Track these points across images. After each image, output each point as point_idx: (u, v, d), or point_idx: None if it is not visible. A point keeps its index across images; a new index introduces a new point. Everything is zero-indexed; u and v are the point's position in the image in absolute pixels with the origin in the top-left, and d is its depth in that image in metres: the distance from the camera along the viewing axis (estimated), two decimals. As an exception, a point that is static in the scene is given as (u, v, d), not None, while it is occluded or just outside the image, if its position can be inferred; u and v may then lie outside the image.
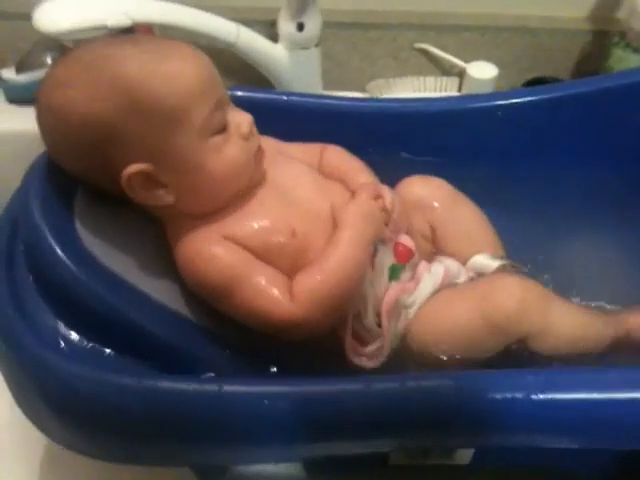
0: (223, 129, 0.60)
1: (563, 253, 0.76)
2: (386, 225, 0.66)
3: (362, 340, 0.65)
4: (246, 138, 0.61)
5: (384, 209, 0.65)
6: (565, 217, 0.79)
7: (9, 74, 0.94)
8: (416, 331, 0.66)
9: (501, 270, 0.68)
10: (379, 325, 0.64)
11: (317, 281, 0.60)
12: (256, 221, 0.62)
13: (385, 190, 0.67)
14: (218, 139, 0.59)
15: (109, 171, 0.57)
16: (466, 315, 0.63)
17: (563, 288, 0.68)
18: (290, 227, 0.62)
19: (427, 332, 0.65)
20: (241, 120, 0.61)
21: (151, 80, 0.55)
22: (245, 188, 0.63)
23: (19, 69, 0.93)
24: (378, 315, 0.65)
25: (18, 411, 0.57)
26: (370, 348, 0.64)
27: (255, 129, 0.63)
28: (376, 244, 0.65)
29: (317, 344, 0.62)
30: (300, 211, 0.64)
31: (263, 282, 0.59)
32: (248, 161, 0.62)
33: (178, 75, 0.56)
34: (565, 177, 0.83)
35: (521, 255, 0.73)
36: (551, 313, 0.62)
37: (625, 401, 0.51)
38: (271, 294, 0.59)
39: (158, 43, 0.59)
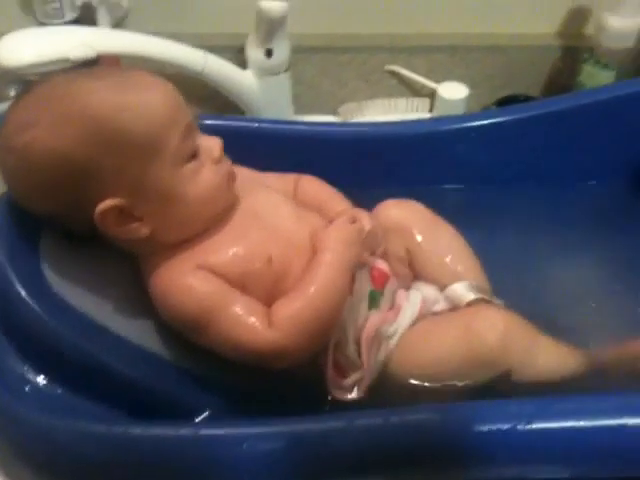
0: (195, 155, 0.59)
1: (542, 277, 0.75)
2: (366, 250, 0.65)
3: (342, 371, 0.63)
4: (218, 162, 0.60)
5: (362, 232, 0.64)
6: (545, 237, 0.79)
7: (-27, 108, 0.93)
8: (398, 362, 0.64)
9: (475, 303, 0.66)
10: (359, 355, 0.63)
11: (296, 307, 0.58)
12: (231, 248, 0.61)
13: (362, 213, 0.67)
14: (192, 166, 0.58)
15: (79, 209, 0.56)
16: (448, 348, 0.62)
17: (542, 317, 0.66)
18: (266, 254, 0.61)
19: (409, 363, 0.64)
20: (212, 144, 0.60)
21: (119, 113, 0.54)
22: (220, 213, 0.62)
23: (-18, 103, 0.92)
24: (358, 344, 0.63)
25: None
26: (350, 379, 0.63)
27: (223, 153, 0.62)
28: (354, 269, 0.64)
29: (297, 376, 0.61)
30: (277, 238, 0.63)
31: (240, 311, 0.58)
32: (222, 184, 0.61)
33: (145, 106, 0.56)
34: (543, 196, 0.83)
35: (502, 278, 0.71)
36: (534, 347, 0.62)
37: (613, 427, 0.50)
38: (249, 323, 0.57)
39: (120, 75, 0.58)
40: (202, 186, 0.59)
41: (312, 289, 0.59)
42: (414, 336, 0.65)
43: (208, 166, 0.60)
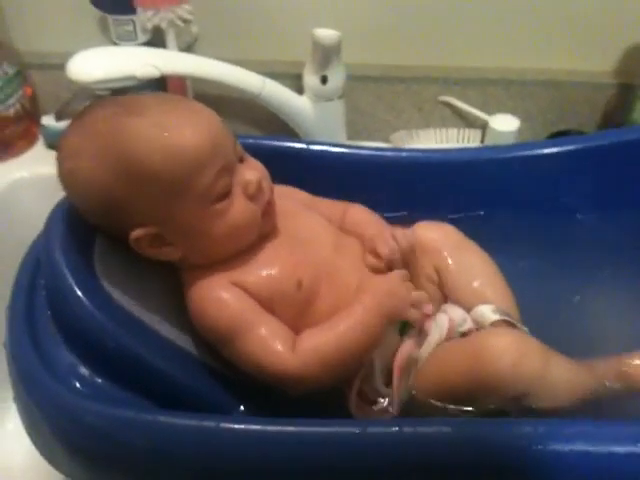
0: (227, 194, 0.60)
1: (577, 304, 0.76)
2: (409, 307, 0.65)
3: (368, 398, 0.65)
4: (253, 198, 0.62)
5: (410, 290, 0.65)
6: (582, 268, 0.79)
7: (49, 121, 1.00)
8: (420, 385, 0.65)
9: (497, 325, 0.66)
10: (387, 384, 0.64)
11: (322, 340, 0.61)
12: (264, 269, 0.63)
13: (399, 232, 0.68)
14: (221, 205, 0.60)
15: (118, 230, 0.61)
16: (461, 375, 0.62)
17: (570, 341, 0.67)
18: (296, 278, 0.63)
19: (429, 387, 0.65)
20: (249, 180, 0.62)
21: (151, 156, 0.57)
22: (254, 241, 0.64)
23: (58, 117, 0.99)
24: (387, 373, 0.65)
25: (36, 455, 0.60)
26: (377, 407, 0.64)
27: (266, 183, 0.64)
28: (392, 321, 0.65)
29: (321, 397, 0.63)
30: (308, 264, 0.65)
31: (267, 333, 0.60)
32: (253, 222, 0.63)
33: (178, 149, 0.57)
34: (584, 228, 0.83)
35: (530, 305, 0.72)
36: (546, 373, 0.60)
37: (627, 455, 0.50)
38: (273, 346, 0.60)
39: (164, 110, 0.59)
40: (229, 224, 0.61)
41: (342, 327, 0.61)
42: (432, 360, 0.66)
43: (240, 202, 0.61)
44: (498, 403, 0.62)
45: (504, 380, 0.59)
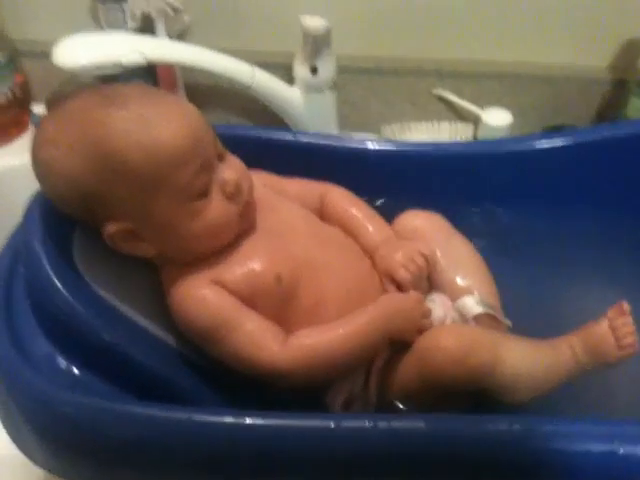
0: (206, 192, 0.59)
1: (563, 301, 0.76)
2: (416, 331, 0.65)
3: (345, 401, 0.64)
4: (231, 198, 0.61)
5: (421, 314, 0.65)
6: (568, 263, 0.79)
7: (39, 109, 1.00)
8: (393, 386, 0.65)
9: (480, 318, 0.67)
10: (366, 384, 0.64)
11: (316, 340, 0.60)
12: (242, 266, 0.62)
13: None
14: (199, 204, 0.59)
15: (92, 223, 0.59)
16: (414, 377, 0.62)
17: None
18: (275, 272, 0.62)
19: (392, 388, 0.65)
20: (228, 179, 0.60)
21: (130, 151, 0.55)
22: (231, 239, 0.63)
23: (48, 105, 0.98)
24: (366, 373, 0.65)
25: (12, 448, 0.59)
26: (354, 407, 0.64)
27: (245, 183, 0.62)
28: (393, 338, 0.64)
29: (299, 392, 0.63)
30: (288, 258, 0.64)
31: (254, 328, 0.60)
32: (230, 222, 0.61)
33: (157, 146, 0.56)
34: (572, 224, 0.82)
35: (521, 299, 0.73)
36: (500, 366, 0.60)
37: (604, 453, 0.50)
38: (262, 341, 0.60)
39: (147, 104, 0.57)
40: (206, 224, 0.60)
41: (341, 331, 0.61)
42: (395, 360, 0.65)
43: (218, 201, 0.60)
44: (457, 398, 0.62)
45: (452, 378, 0.59)
